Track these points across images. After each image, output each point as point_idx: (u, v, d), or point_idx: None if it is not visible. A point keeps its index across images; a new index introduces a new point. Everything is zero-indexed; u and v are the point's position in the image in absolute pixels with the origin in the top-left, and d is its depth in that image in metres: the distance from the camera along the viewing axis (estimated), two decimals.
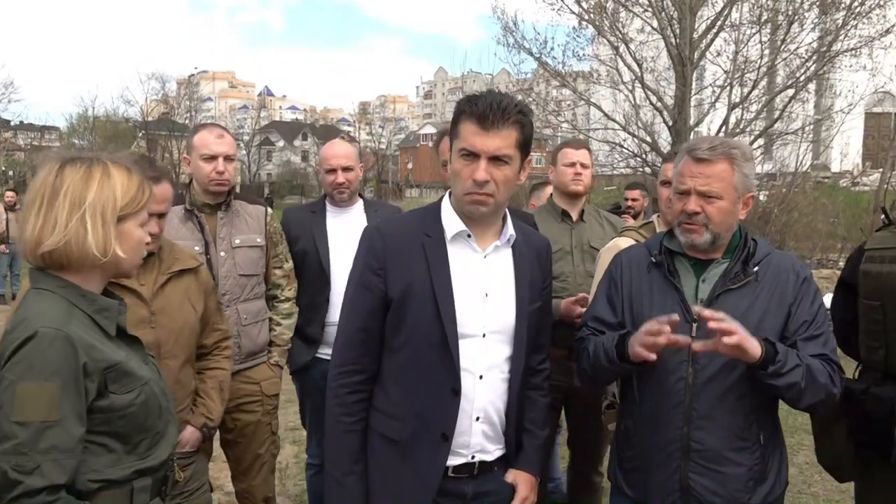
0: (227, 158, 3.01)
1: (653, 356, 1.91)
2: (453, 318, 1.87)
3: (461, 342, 1.89)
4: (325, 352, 3.20)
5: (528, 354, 2.03)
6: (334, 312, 3.09)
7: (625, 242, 2.76)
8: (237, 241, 3.05)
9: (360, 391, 1.95)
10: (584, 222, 3.49)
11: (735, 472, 2.02)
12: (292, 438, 5.03)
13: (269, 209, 3.29)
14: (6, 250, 12.16)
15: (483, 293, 1.94)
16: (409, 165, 62.94)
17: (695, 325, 2.01)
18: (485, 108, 1.82)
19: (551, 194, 3.65)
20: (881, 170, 18.30)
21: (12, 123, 49.84)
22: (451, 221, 1.94)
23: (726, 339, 1.82)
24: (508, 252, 2.00)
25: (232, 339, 2.90)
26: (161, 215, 2.45)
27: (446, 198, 2.00)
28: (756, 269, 2.07)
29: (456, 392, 1.89)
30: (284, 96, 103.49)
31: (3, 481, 1.49)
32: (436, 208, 2.00)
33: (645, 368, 2.03)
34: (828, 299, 9.42)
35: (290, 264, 3.28)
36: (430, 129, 59.46)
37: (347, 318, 1.97)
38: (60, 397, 1.53)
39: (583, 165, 3.44)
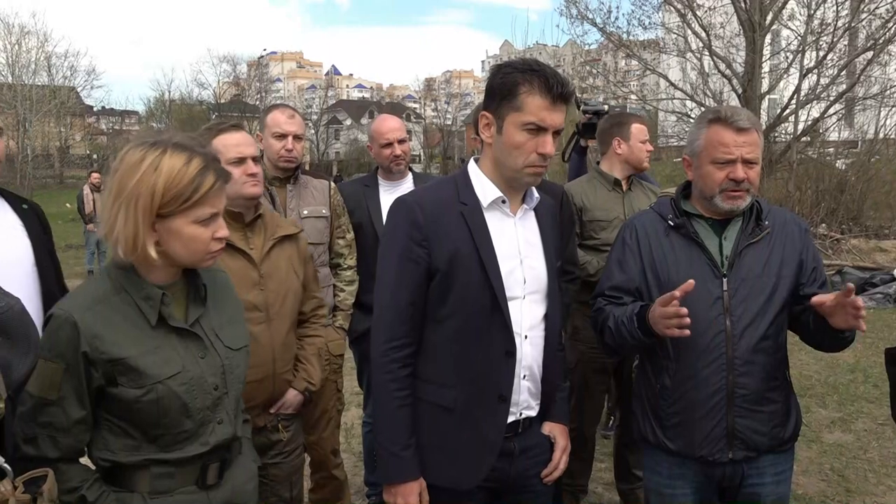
0: (296, 137, 3.26)
1: (687, 332, 1.99)
2: (501, 281, 1.92)
3: (509, 304, 1.94)
4: None
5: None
6: None
7: None
8: (305, 212, 3.30)
9: (410, 364, 1.95)
10: (631, 191, 3.60)
11: (772, 409, 2.18)
12: (357, 402, 5.29)
13: (333, 184, 3.52)
14: (94, 229, 12.97)
15: (519, 255, 1.99)
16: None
17: (724, 279, 2.16)
18: (553, 83, 1.84)
19: (598, 161, 3.76)
20: None
21: (95, 109, 52.19)
22: (487, 189, 1.97)
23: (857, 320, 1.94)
24: (532, 214, 2.07)
25: None
26: (255, 159, 2.54)
27: (475, 166, 2.02)
28: (767, 222, 2.22)
29: (511, 354, 1.94)
30: (351, 75, 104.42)
31: (14, 440, 1.59)
32: (464, 177, 2.01)
33: None
34: None
35: (351, 234, 3.50)
36: None
37: (394, 292, 1.94)
38: (63, 378, 1.57)
39: (649, 142, 3.66)
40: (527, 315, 2.00)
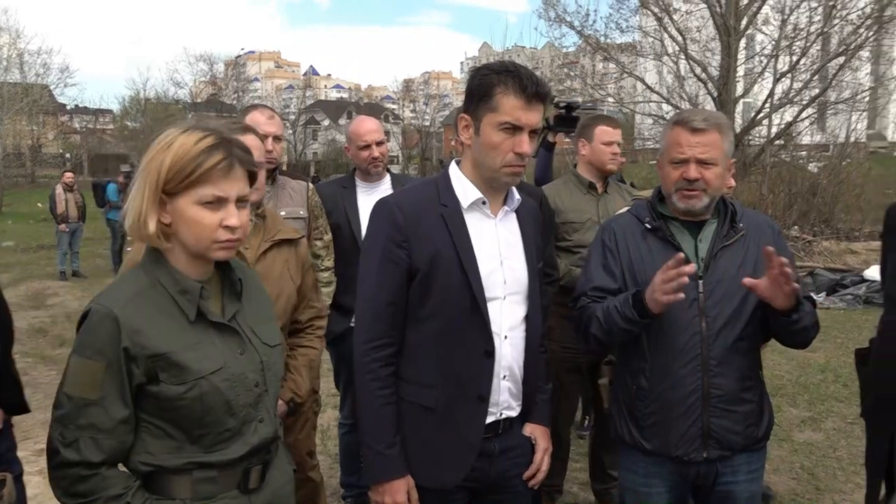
0: (276, 138, 3.25)
1: (681, 296, 2.00)
2: (480, 282, 1.93)
3: (488, 305, 1.96)
4: None
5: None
6: None
7: None
8: (283, 213, 3.27)
9: (392, 363, 1.97)
10: (607, 194, 3.64)
11: (746, 409, 2.21)
12: (334, 404, 5.27)
13: (311, 184, 3.50)
14: (66, 229, 12.77)
15: (499, 256, 2.01)
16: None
17: (700, 281, 2.18)
18: (527, 83, 1.86)
19: (575, 165, 3.79)
20: None
21: (68, 107, 51.37)
22: (467, 190, 1.99)
23: (789, 285, 1.99)
24: (514, 216, 2.08)
25: None
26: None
27: (455, 168, 2.04)
28: (741, 225, 2.25)
29: (489, 354, 1.96)
30: (329, 75, 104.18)
31: (50, 446, 1.53)
32: (445, 179, 2.03)
33: (654, 328, 2.17)
34: (874, 271, 9.34)
35: (329, 236, 3.50)
36: None
37: (375, 292, 1.96)
38: (104, 377, 1.50)
39: (618, 144, 3.64)
40: (507, 316, 2.01)
